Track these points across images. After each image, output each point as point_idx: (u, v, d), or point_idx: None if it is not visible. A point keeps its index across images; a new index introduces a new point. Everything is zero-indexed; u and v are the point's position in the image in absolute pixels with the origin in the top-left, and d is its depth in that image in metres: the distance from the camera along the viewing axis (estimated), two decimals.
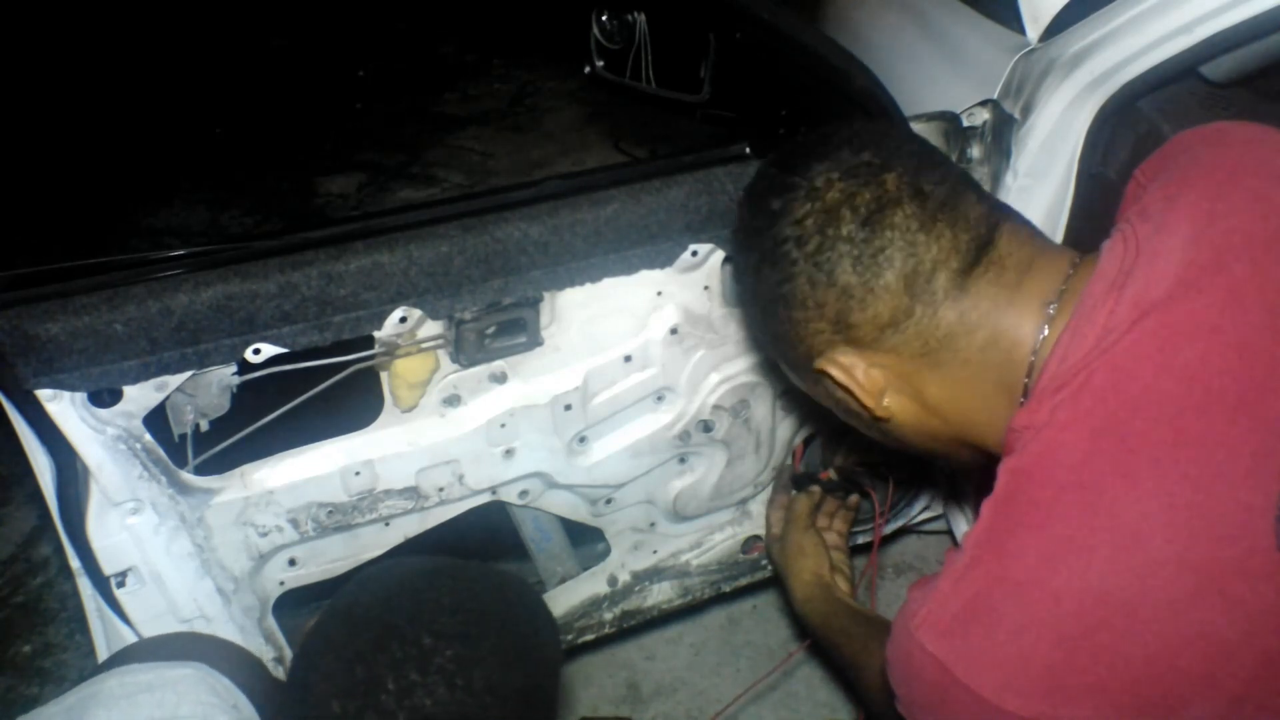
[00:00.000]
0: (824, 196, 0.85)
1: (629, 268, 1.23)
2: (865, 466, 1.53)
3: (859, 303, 0.85)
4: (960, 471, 1.60)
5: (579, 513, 1.47)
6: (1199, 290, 0.76)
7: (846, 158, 0.86)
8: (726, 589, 1.67)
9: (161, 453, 1.13)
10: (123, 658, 1.07)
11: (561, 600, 1.55)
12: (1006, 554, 0.76)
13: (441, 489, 1.31)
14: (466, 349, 1.20)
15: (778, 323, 0.92)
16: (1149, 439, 0.73)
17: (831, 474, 1.50)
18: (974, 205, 0.85)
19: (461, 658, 0.89)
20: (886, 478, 1.56)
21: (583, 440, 1.37)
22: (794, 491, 1.53)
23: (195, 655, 1.02)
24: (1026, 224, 0.89)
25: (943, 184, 0.85)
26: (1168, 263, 0.78)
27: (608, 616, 1.60)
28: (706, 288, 1.31)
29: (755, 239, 0.91)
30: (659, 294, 1.28)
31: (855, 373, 0.89)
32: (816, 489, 1.49)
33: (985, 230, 0.84)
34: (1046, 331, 0.82)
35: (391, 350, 1.16)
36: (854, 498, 1.53)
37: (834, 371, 0.90)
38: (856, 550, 1.62)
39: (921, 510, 1.72)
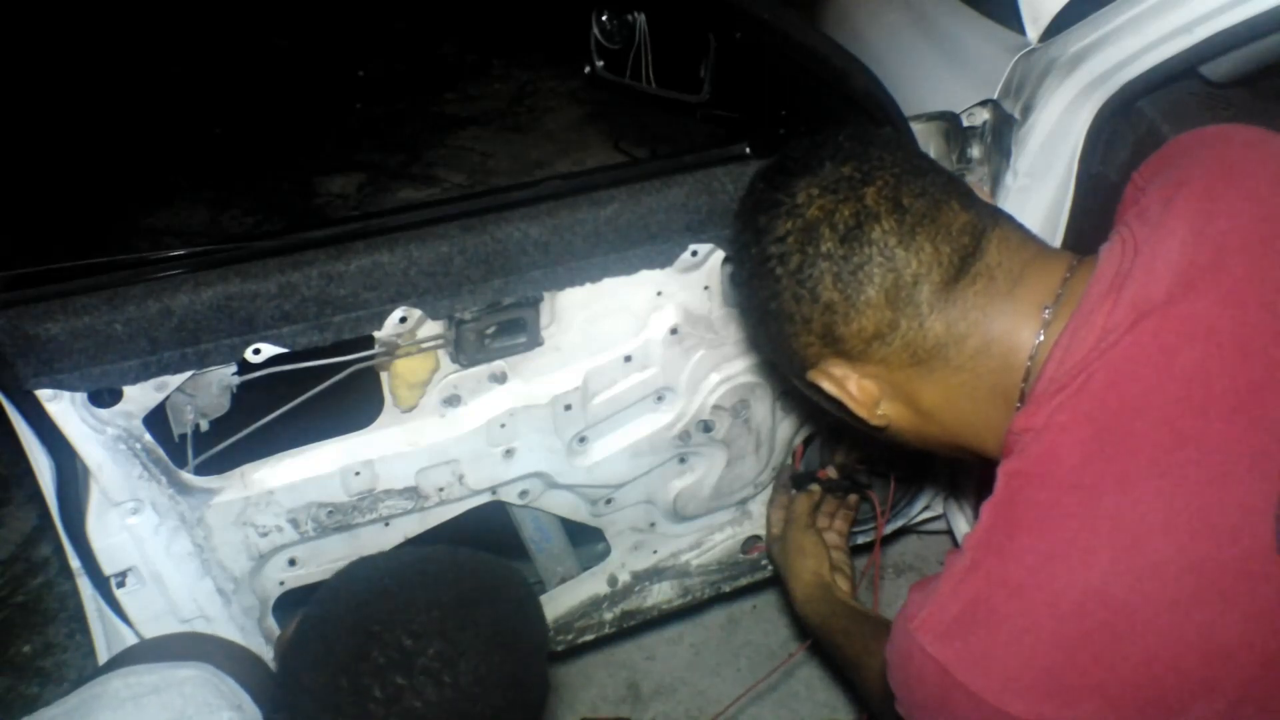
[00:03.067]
0: (805, 213, 0.86)
1: (629, 268, 1.23)
2: (866, 464, 1.53)
3: (843, 317, 0.86)
4: (961, 471, 1.60)
5: (579, 513, 1.47)
6: (1197, 291, 0.76)
7: (828, 172, 0.86)
8: (726, 589, 1.67)
9: (161, 453, 1.13)
10: (126, 658, 1.06)
11: (561, 600, 1.55)
12: (1007, 556, 0.76)
13: (441, 489, 1.31)
14: (466, 349, 1.20)
15: (771, 334, 0.94)
16: (1148, 440, 0.73)
17: (831, 472, 1.50)
18: (958, 215, 0.85)
19: (444, 654, 0.88)
20: (887, 476, 1.56)
21: (583, 440, 1.37)
22: (794, 491, 1.53)
23: (199, 655, 1.02)
24: (1019, 229, 0.89)
25: (923, 196, 0.85)
26: (1166, 264, 0.78)
27: (608, 616, 1.60)
28: (706, 288, 1.31)
29: (745, 253, 0.92)
30: (659, 294, 1.28)
31: (848, 384, 0.90)
32: (816, 488, 1.49)
33: (970, 240, 0.84)
34: (1043, 336, 0.82)
35: (391, 350, 1.16)
36: (853, 497, 1.53)
37: (826, 384, 0.91)
38: (857, 550, 1.62)
39: (921, 510, 1.72)
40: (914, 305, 0.84)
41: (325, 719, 0.86)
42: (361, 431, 1.24)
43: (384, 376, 1.20)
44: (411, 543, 1.35)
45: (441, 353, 1.21)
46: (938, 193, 0.86)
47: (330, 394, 1.15)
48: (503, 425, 1.28)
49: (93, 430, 1.07)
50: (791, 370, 0.96)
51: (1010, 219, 0.90)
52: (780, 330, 0.91)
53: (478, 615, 0.93)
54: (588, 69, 1.90)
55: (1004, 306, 0.83)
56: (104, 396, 1.06)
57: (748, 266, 0.92)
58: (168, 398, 1.09)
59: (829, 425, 1.55)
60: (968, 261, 0.84)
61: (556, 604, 1.55)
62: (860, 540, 1.67)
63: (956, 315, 0.84)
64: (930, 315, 0.84)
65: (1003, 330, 0.83)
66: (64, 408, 1.04)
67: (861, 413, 0.91)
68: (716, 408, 1.40)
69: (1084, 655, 0.71)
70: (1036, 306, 0.83)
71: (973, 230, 0.85)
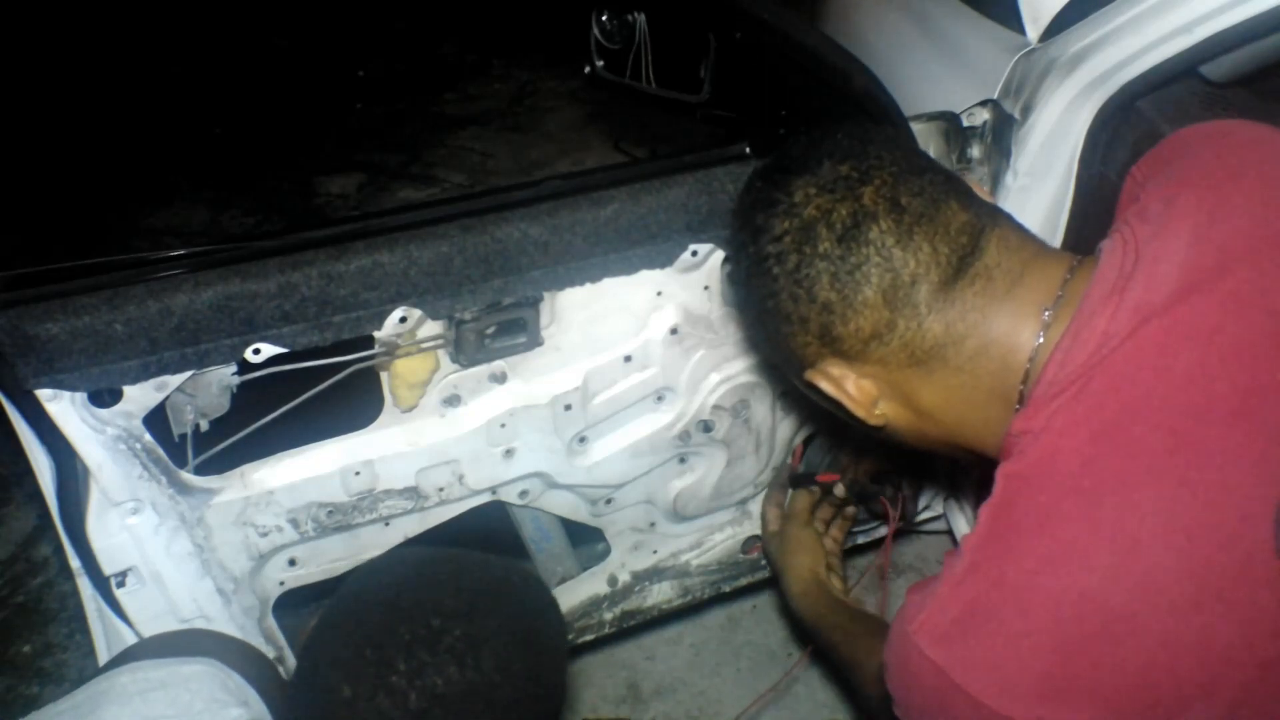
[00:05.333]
0: (802, 213, 0.85)
1: (629, 268, 1.23)
2: (876, 483, 1.51)
3: (840, 318, 0.85)
4: (961, 471, 1.60)
5: (579, 513, 1.47)
6: (1200, 294, 0.76)
7: (826, 171, 0.86)
8: (726, 589, 1.67)
9: (161, 453, 1.13)
10: (132, 654, 1.07)
11: (561, 600, 1.55)
12: (1005, 559, 0.76)
13: (441, 489, 1.31)
14: (466, 349, 1.20)
15: (769, 333, 0.93)
16: (1148, 444, 0.73)
17: (839, 490, 1.49)
18: (957, 215, 0.84)
19: (470, 636, 0.89)
20: (897, 494, 1.54)
21: (583, 440, 1.37)
22: (791, 490, 1.53)
23: (205, 651, 1.02)
24: (1019, 229, 0.88)
25: (921, 195, 0.84)
26: (1169, 267, 0.78)
27: (608, 616, 1.60)
28: (706, 288, 1.31)
29: (743, 252, 0.92)
30: (659, 294, 1.28)
31: (845, 384, 0.89)
32: (816, 488, 1.49)
33: (969, 240, 0.84)
34: (1043, 338, 0.82)
35: (391, 350, 1.16)
36: (851, 509, 1.53)
37: (823, 383, 0.90)
38: (856, 550, 1.62)
39: (921, 510, 1.71)
40: (912, 306, 0.83)
41: (346, 689, 0.86)
42: (361, 431, 1.24)
43: (384, 376, 1.20)
44: (413, 543, 1.35)
45: (441, 353, 1.21)
46: (936, 192, 0.85)
47: (330, 394, 1.15)
48: (503, 425, 1.28)
49: (93, 430, 1.07)
50: (789, 370, 0.96)
51: (1010, 218, 0.89)
52: (778, 330, 0.91)
53: (505, 609, 0.95)
54: (588, 69, 1.90)
55: (1003, 308, 0.83)
56: (104, 396, 1.06)
57: (745, 265, 0.92)
58: (168, 398, 1.09)
59: (832, 431, 1.55)
60: (966, 262, 0.83)
61: None
62: (860, 540, 1.67)
63: (955, 316, 0.83)
64: (928, 316, 0.83)
65: (1001, 332, 0.83)
66: (64, 408, 1.04)
67: (859, 412, 0.91)
68: (716, 408, 1.40)
69: (1082, 659, 0.71)
70: (1036, 308, 0.83)
71: (971, 230, 0.84)
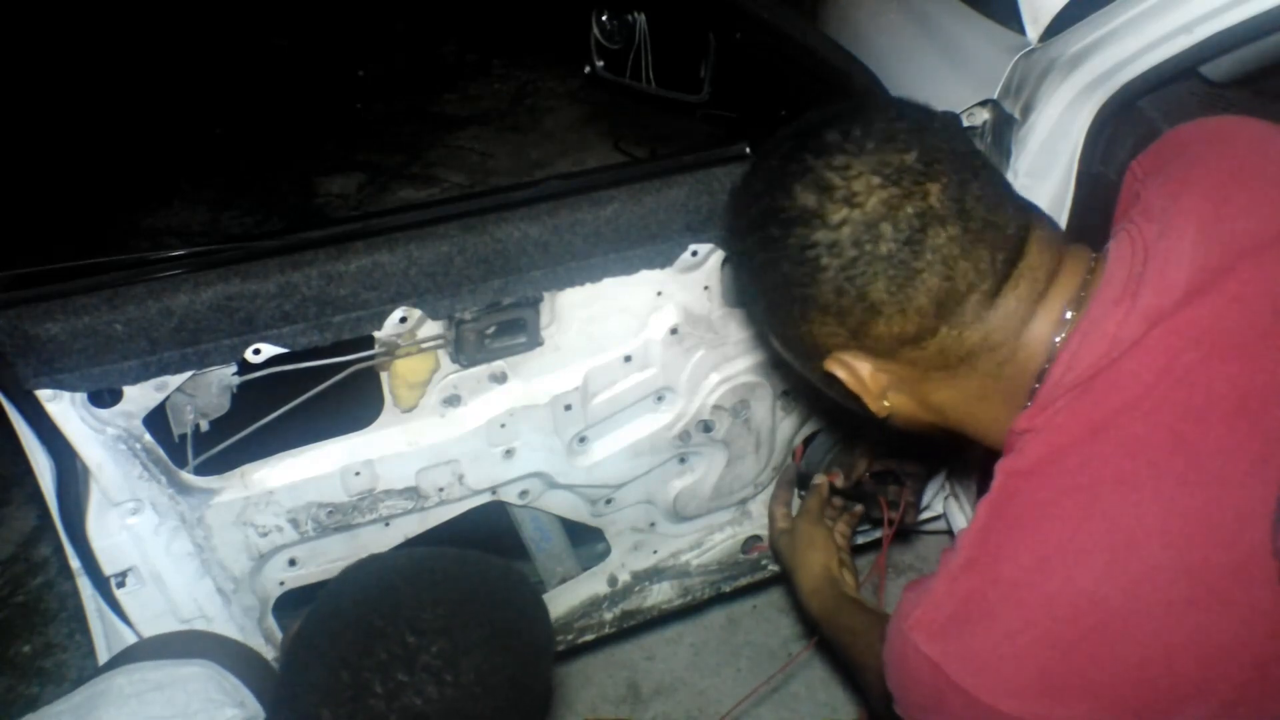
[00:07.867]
0: (864, 205, 0.78)
1: (629, 268, 1.23)
2: (877, 482, 1.51)
3: (885, 319, 0.81)
4: (961, 470, 1.60)
5: (579, 513, 1.47)
6: (1205, 295, 0.75)
7: (890, 158, 0.79)
8: (726, 589, 1.67)
9: (161, 453, 1.13)
10: (130, 655, 1.07)
11: (561, 600, 1.55)
12: (1002, 555, 0.76)
13: (441, 489, 1.31)
14: (466, 349, 1.20)
15: (787, 319, 0.88)
16: (1147, 443, 0.73)
17: (840, 482, 1.48)
18: (1010, 219, 0.81)
19: (447, 652, 0.88)
20: (900, 494, 1.54)
21: (583, 440, 1.37)
22: (798, 490, 1.52)
23: (202, 653, 1.03)
24: (1048, 223, 0.86)
25: (983, 199, 0.80)
26: (1178, 269, 0.77)
27: (608, 616, 1.60)
28: (706, 288, 1.31)
29: (780, 229, 0.82)
30: (659, 294, 1.28)
31: (862, 374, 0.87)
32: (824, 482, 1.48)
33: (1018, 242, 0.81)
34: (1060, 338, 0.80)
35: (391, 350, 1.16)
36: (858, 507, 1.52)
37: (840, 373, 0.88)
38: (855, 551, 1.62)
39: (922, 510, 1.71)
40: (959, 314, 0.81)
41: (325, 713, 0.86)
42: (361, 431, 1.24)
43: (384, 376, 1.21)
44: (413, 543, 1.35)
45: (441, 353, 1.21)
46: (994, 194, 0.81)
47: (330, 394, 1.15)
48: (503, 425, 1.28)
49: (93, 430, 1.07)
50: (800, 355, 0.93)
51: (1040, 212, 0.87)
52: (806, 315, 0.85)
53: (482, 615, 0.93)
54: (588, 69, 1.90)
55: (1034, 310, 0.81)
56: (104, 396, 1.06)
57: (779, 245, 0.83)
58: (168, 398, 1.09)
59: (832, 430, 1.55)
60: (1013, 264, 0.81)
61: (556, 604, 1.55)
62: (860, 541, 1.67)
63: (996, 324, 0.81)
64: (971, 325, 0.81)
65: (1030, 336, 0.81)
66: (64, 408, 1.04)
67: (871, 404, 0.89)
68: (716, 408, 1.40)
69: (1078, 656, 0.71)
70: (1062, 306, 0.81)
71: (1019, 231, 0.82)
